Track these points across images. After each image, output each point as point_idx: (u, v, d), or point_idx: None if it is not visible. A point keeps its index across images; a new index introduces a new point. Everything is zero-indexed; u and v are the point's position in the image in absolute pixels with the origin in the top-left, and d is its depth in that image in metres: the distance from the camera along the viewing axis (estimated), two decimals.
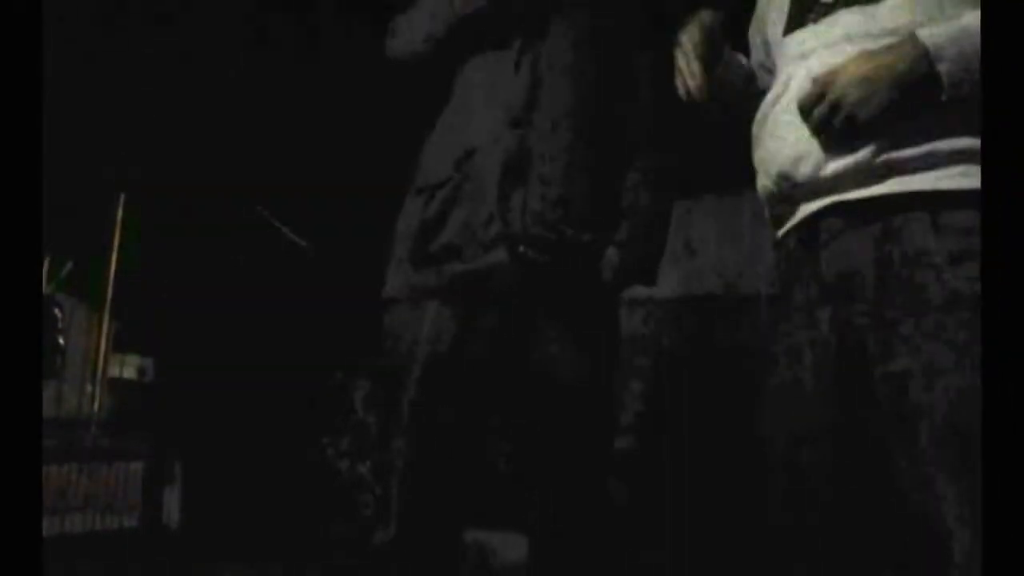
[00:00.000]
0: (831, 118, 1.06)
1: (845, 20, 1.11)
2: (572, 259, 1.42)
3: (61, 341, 2.94)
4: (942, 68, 1.01)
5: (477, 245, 1.39)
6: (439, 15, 1.45)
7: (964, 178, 1.02)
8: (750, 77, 1.35)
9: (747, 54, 1.38)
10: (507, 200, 1.39)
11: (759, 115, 1.21)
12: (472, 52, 1.47)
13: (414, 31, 1.51)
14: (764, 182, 1.20)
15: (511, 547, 2.22)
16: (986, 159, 0.92)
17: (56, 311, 2.93)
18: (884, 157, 1.05)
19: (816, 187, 1.11)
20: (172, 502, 2.96)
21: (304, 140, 3.41)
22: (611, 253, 1.45)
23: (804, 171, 1.11)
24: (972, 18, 1.01)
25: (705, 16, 1.24)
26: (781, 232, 1.21)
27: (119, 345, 3.21)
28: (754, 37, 1.36)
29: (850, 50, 1.08)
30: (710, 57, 1.24)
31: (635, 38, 1.54)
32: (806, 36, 1.16)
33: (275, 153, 3.38)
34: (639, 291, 1.60)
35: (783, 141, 1.14)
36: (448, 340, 1.42)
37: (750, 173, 1.25)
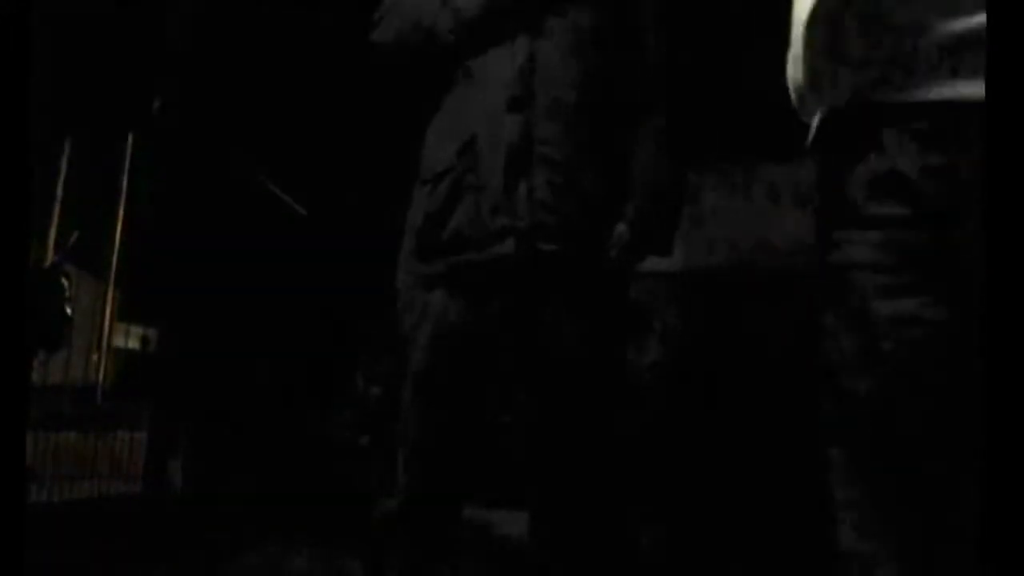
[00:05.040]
0: None
1: None
2: (583, 243, 1.40)
3: (69, 311, 2.96)
4: None
5: (484, 236, 1.37)
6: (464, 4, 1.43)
7: None
8: None
9: None
10: (513, 189, 1.37)
11: None
12: (477, 42, 1.45)
13: (405, 19, 1.49)
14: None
15: (511, 523, 2.23)
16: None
17: (64, 281, 2.94)
18: None
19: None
20: (175, 470, 2.99)
21: (309, 113, 3.39)
22: (622, 229, 1.43)
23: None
24: None
25: None
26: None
27: (124, 315, 3.23)
28: None
29: None
30: None
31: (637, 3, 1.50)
32: None
33: (281, 122, 3.37)
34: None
35: None
36: (453, 319, 1.41)
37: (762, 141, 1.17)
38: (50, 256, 2.79)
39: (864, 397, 0.81)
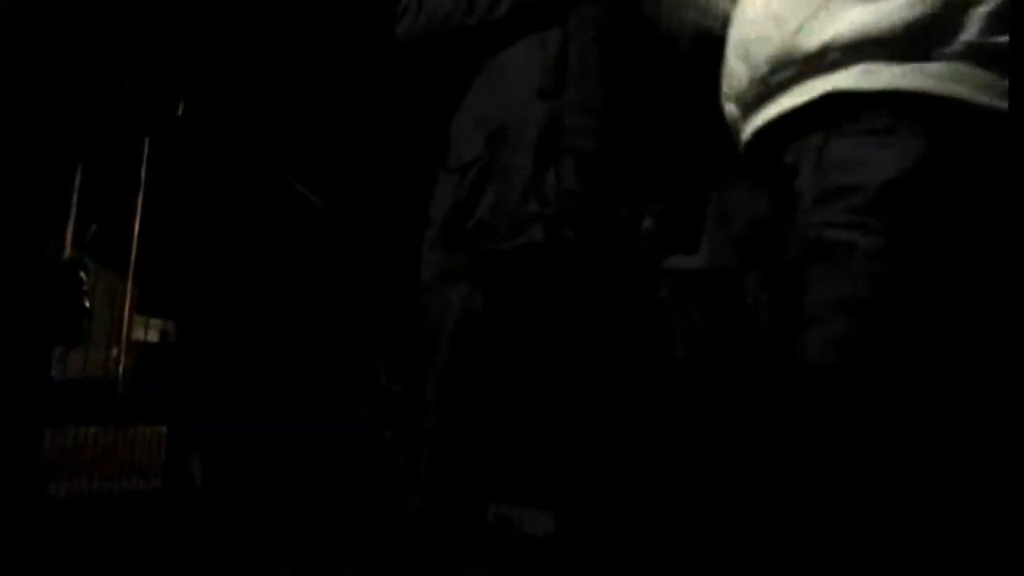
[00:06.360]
0: None
1: None
2: (611, 234, 1.39)
3: (87, 305, 2.97)
4: None
5: (511, 224, 1.36)
6: None
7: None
8: None
9: None
10: (541, 177, 1.36)
11: None
12: (506, 34, 1.43)
13: (430, 13, 1.47)
14: (733, 68, 0.90)
15: (536, 521, 2.21)
16: None
17: (82, 275, 2.95)
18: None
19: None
20: (196, 464, 2.99)
21: (330, 108, 3.38)
22: (649, 222, 1.42)
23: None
24: None
25: None
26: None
27: (142, 308, 3.24)
28: None
29: None
30: None
31: None
32: None
33: (301, 117, 3.36)
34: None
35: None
36: (478, 310, 1.40)
37: None
38: (68, 250, 2.79)
39: None
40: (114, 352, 3.12)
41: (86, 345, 3.00)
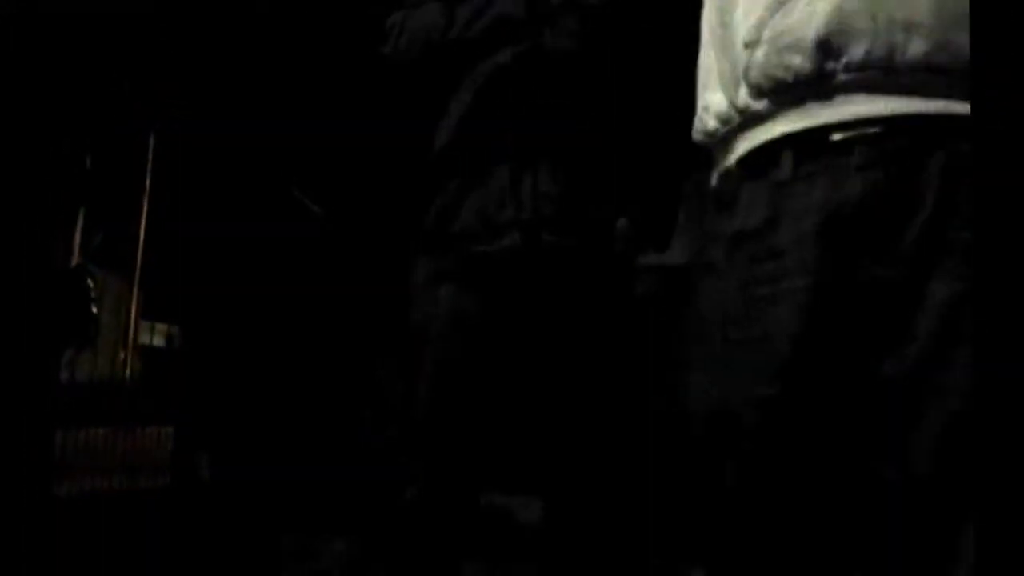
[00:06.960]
0: None
1: None
2: (587, 236, 1.43)
3: (94, 310, 3.02)
4: None
5: (491, 229, 1.41)
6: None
7: None
8: None
9: None
10: (519, 183, 1.41)
11: None
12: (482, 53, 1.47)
13: (413, 35, 1.52)
14: (786, 59, 0.80)
15: (529, 509, 2.25)
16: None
17: (89, 281, 3.00)
18: None
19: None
20: (202, 465, 3.05)
21: (327, 112, 3.42)
22: (623, 223, 1.46)
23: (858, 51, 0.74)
24: None
25: None
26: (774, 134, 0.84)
27: (148, 313, 3.29)
28: None
29: None
30: None
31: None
32: None
33: (299, 122, 3.40)
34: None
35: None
36: (464, 311, 1.44)
37: None
38: (76, 257, 2.84)
39: None
40: (121, 356, 3.18)
41: (94, 349, 3.06)
